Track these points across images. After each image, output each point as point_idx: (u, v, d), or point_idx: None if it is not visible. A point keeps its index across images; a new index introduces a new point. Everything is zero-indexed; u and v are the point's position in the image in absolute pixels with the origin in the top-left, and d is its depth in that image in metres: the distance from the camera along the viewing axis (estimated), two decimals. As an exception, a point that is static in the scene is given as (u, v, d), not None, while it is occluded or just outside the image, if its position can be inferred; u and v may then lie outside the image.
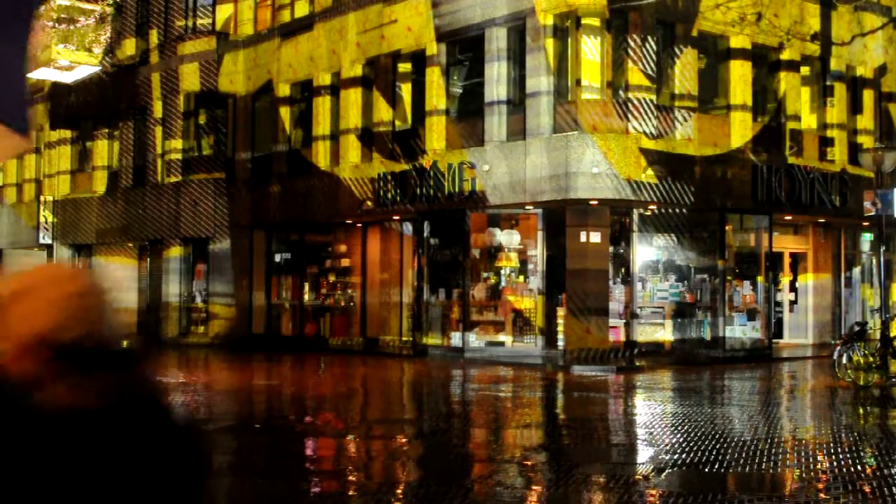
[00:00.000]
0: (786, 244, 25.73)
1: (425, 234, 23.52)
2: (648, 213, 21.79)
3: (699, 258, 22.80)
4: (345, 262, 26.78)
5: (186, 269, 30.35)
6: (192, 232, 29.43)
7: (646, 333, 21.79)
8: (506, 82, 22.15)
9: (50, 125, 36.18)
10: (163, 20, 31.12)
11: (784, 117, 24.02)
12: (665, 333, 22.11)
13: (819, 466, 9.57)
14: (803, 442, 11.15)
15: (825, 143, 25.17)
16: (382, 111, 24.72)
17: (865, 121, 25.97)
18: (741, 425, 12.44)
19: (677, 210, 22.01)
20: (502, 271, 22.65)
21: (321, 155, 26.46)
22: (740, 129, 22.80)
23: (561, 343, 21.62)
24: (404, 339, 24.58)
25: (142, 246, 33.26)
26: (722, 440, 10.91)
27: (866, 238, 27.95)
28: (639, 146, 20.81)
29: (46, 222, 35.29)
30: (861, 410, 14.41)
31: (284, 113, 27.94)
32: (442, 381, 18.53)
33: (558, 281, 21.64)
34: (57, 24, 26.60)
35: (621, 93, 21.18)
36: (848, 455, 10.09)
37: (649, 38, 21.23)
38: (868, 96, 26.10)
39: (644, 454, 10.38)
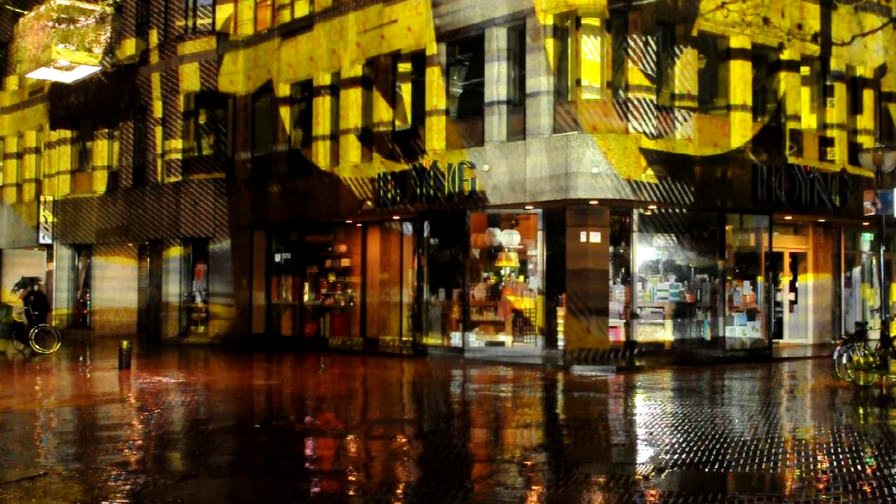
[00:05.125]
0: (786, 244, 25.74)
1: (425, 234, 23.53)
2: (648, 213, 21.79)
3: (699, 258, 22.80)
4: (345, 262, 26.78)
5: (186, 269, 30.36)
6: (192, 232, 29.43)
7: (646, 333, 21.79)
8: (506, 82, 22.15)
9: (50, 125, 36.19)
10: (163, 20, 31.13)
11: (784, 117, 24.02)
12: (665, 333, 22.10)
13: (819, 466, 9.58)
14: (803, 442, 11.16)
15: (825, 143, 25.18)
16: (382, 111, 24.72)
17: (865, 121, 25.98)
18: (741, 425, 12.44)
19: (677, 210, 22.02)
20: (502, 271, 22.66)
21: (321, 155, 26.47)
22: (740, 129, 22.81)
23: (561, 343, 21.63)
24: (404, 339, 24.59)
25: (142, 246, 33.28)
26: (722, 440, 10.92)
27: (866, 238, 27.96)
28: (639, 146, 20.81)
29: (46, 222, 35.28)
30: (861, 410, 14.41)
31: (284, 113, 27.95)
32: (442, 381, 18.53)
33: (558, 281, 21.64)
34: (57, 24, 26.57)
35: (621, 93, 21.18)
36: (848, 455, 10.10)
37: (649, 38, 21.23)
38: (868, 96, 26.11)
39: (644, 454, 10.38)
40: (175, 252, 30.22)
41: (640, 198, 20.85)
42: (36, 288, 26.75)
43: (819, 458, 10.06)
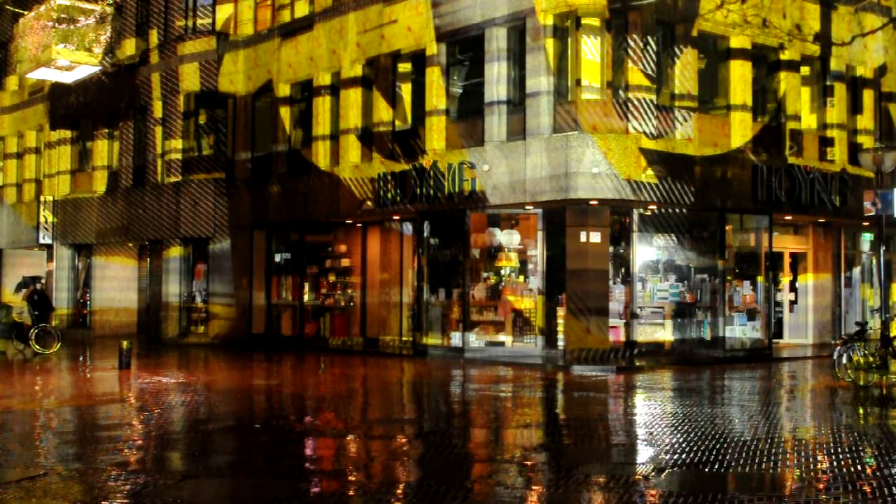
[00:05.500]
0: (786, 244, 25.74)
1: (425, 234, 23.53)
2: (648, 213, 21.78)
3: (699, 258, 22.80)
4: (345, 262, 26.78)
5: (186, 269, 30.36)
6: (192, 232, 29.43)
7: (646, 333, 21.79)
8: (506, 82, 22.15)
9: (50, 125, 36.18)
10: (163, 20, 31.13)
11: (784, 117, 24.02)
12: (665, 333, 22.10)
13: (819, 466, 9.58)
14: (803, 442, 11.16)
15: (825, 143, 25.18)
16: (382, 111, 24.72)
17: (865, 121, 25.98)
18: (741, 425, 12.44)
19: (677, 210, 22.01)
20: (502, 271, 22.66)
21: (321, 155, 26.47)
22: (740, 129, 22.81)
23: (561, 343, 21.63)
24: (404, 339, 24.59)
25: (142, 246, 33.27)
26: (722, 440, 10.92)
27: (866, 238, 27.96)
28: (639, 146, 20.81)
29: (46, 222, 35.28)
30: (861, 410, 14.41)
31: (284, 113, 27.95)
32: (442, 381, 18.54)
33: (558, 281, 21.64)
34: (57, 24, 26.58)
35: (621, 93, 21.18)
36: (848, 455, 10.10)
37: (649, 38, 21.23)
38: (868, 96, 26.11)
39: (644, 454, 10.38)
40: (175, 252, 30.22)
41: (640, 198, 20.85)
42: (38, 287, 26.72)
43: (819, 458, 10.06)
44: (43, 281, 28.30)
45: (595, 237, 21.07)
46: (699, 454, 10.01)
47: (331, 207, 26.00)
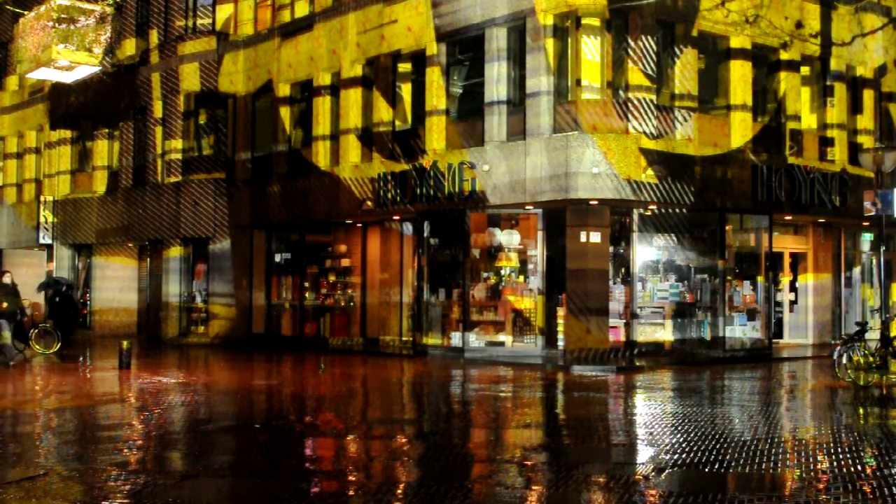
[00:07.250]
0: (786, 244, 25.74)
1: (425, 234, 23.53)
2: (648, 213, 21.79)
3: (699, 258, 22.81)
4: (345, 262, 26.79)
5: (186, 269, 30.36)
6: (192, 232, 29.43)
7: (646, 333, 21.79)
8: (506, 82, 22.15)
9: (50, 125, 36.19)
10: (163, 20, 31.13)
11: (784, 117, 24.03)
12: (665, 333, 22.11)
13: (819, 466, 9.58)
14: (803, 442, 11.15)
15: (825, 143, 25.19)
16: (382, 111, 24.72)
17: (865, 121, 25.98)
18: (741, 425, 12.44)
19: (677, 210, 22.02)
20: (502, 271, 22.66)
21: (321, 155, 26.47)
22: (740, 129, 22.81)
23: (561, 343, 21.63)
24: (404, 339, 24.59)
25: (142, 246, 33.28)
26: (722, 440, 10.92)
27: (866, 238, 27.97)
28: (639, 146, 20.81)
29: (46, 222, 35.28)
30: (861, 410, 14.41)
31: (284, 113, 27.95)
32: (442, 381, 18.53)
33: (558, 281, 21.65)
34: (57, 24, 26.58)
35: (621, 93, 21.18)
36: (848, 455, 10.09)
37: (649, 38, 21.24)
38: (868, 96, 26.11)
39: (644, 454, 10.38)
40: (175, 252, 30.22)
41: (640, 198, 20.85)
42: (63, 289, 26.51)
43: (819, 458, 10.05)
44: (71, 284, 28.07)
45: (595, 237, 21.07)
46: (699, 454, 10.01)
47: (331, 207, 26.00)
